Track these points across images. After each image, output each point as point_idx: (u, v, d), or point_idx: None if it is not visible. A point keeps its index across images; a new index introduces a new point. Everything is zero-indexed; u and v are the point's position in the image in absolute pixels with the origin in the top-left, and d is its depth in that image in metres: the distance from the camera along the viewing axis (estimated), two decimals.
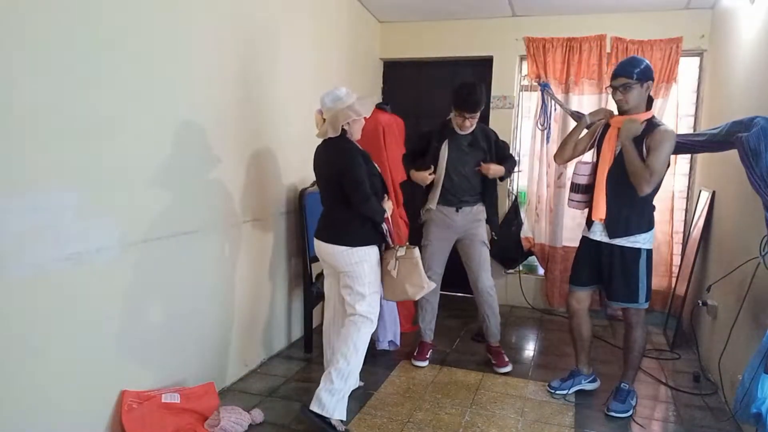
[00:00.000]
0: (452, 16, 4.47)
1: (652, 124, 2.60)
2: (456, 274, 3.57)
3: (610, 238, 2.70)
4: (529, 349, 3.74)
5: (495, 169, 3.17)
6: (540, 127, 4.22)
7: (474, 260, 3.24)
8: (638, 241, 2.66)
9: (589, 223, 2.79)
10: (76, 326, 2.00)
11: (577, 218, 4.25)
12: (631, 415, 2.75)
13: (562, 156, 2.91)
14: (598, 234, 2.75)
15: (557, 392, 2.94)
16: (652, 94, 3.95)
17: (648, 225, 2.68)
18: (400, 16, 4.60)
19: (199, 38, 2.53)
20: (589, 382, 3.02)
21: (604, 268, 2.76)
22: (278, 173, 3.30)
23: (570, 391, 2.95)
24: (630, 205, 2.64)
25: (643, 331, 2.81)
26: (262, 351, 3.26)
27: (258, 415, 2.56)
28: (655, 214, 4.08)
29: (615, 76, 2.62)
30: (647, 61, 2.63)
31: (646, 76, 2.58)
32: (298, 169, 3.51)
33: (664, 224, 4.19)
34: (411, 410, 2.74)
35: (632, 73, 2.57)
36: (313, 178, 3.58)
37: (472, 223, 3.24)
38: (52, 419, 1.93)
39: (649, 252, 2.71)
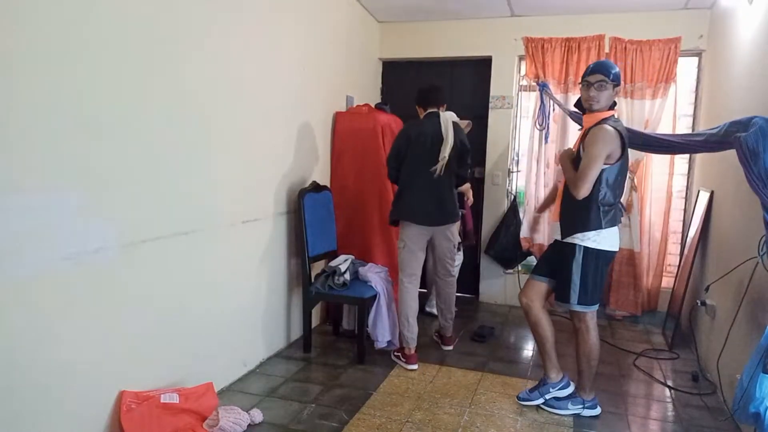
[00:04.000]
0: (451, 16, 4.47)
1: (596, 125, 2.60)
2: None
3: (562, 237, 2.72)
4: (528, 349, 3.74)
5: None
6: (538, 127, 4.22)
7: None
8: (576, 237, 2.64)
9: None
10: (74, 326, 1.99)
11: None
12: (564, 415, 2.73)
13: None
14: (558, 233, 2.79)
15: (523, 403, 2.83)
16: (650, 94, 4.02)
17: (594, 224, 2.60)
18: (399, 16, 4.60)
19: (198, 37, 2.53)
20: (560, 388, 2.82)
21: (555, 264, 2.78)
22: (278, 173, 3.30)
23: (537, 402, 2.80)
24: (574, 207, 2.64)
25: (590, 335, 2.71)
26: (261, 351, 3.26)
27: (257, 415, 2.56)
28: (652, 214, 4.14)
29: (593, 72, 2.63)
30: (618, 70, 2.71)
31: (618, 79, 2.66)
32: (298, 169, 3.52)
33: (659, 224, 4.20)
34: (410, 410, 2.74)
35: (609, 73, 2.62)
36: (311, 179, 3.62)
37: None
38: (51, 419, 1.93)
39: (590, 251, 2.61)
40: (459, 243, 3.82)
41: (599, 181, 2.57)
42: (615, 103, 2.69)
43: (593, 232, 2.61)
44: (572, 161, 2.68)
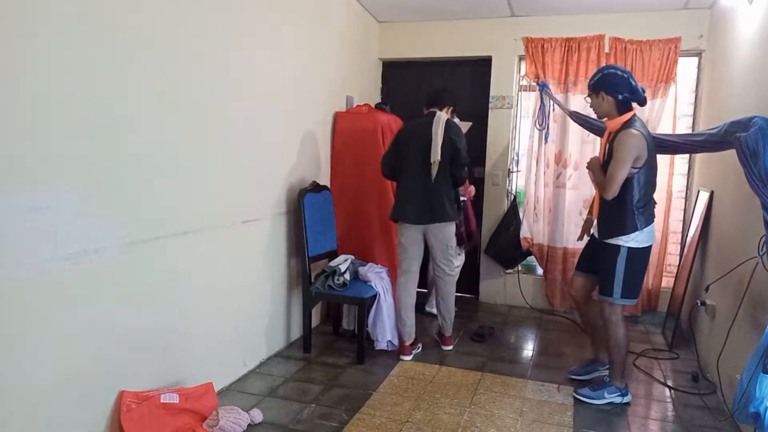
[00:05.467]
0: (451, 16, 4.47)
1: (622, 129, 2.70)
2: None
3: (599, 237, 2.86)
4: (528, 349, 3.74)
5: None
6: (538, 127, 4.22)
7: None
8: (620, 239, 2.75)
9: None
10: (74, 326, 1.99)
11: (574, 220, 4.26)
12: (600, 405, 2.84)
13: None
14: (595, 230, 2.95)
15: (573, 376, 3.10)
16: (650, 94, 4.01)
17: (631, 227, 2.72)
18: (399, 16, 4.60)
19: (197, 38, 2.53)
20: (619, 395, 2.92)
21: (597, 261, 2.92)
22: (278, 173, 3.30)
23: (588, 377, 3.04)
24: (609, 210, 2.79)
25: (619, 327, 2.84)
26: (261, 351, 3.26)
27: (257, 415, 2.56)
28: None
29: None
30: (611, 72, 2.74)
31: (599, 87, 2.75)
32: (298, 169, 3.52)
33: (659, 224, 4.19)
34: (410, 410, 2.74)
35: (589, 85, 2.81)
36: (311, 178, 3.62)
37: None
38: (51, 420, 1.93)
39: (633, 250, 2.74)
40: (459, 246, 3.80)
41: (632, 184, 2.69)
42: (627, 105, 2.75)
43: (633, 234, 2.72)
44: (601, 165, 2.80)
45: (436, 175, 3.24)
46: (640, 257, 2.78)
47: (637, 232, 2.72)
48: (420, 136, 3.28)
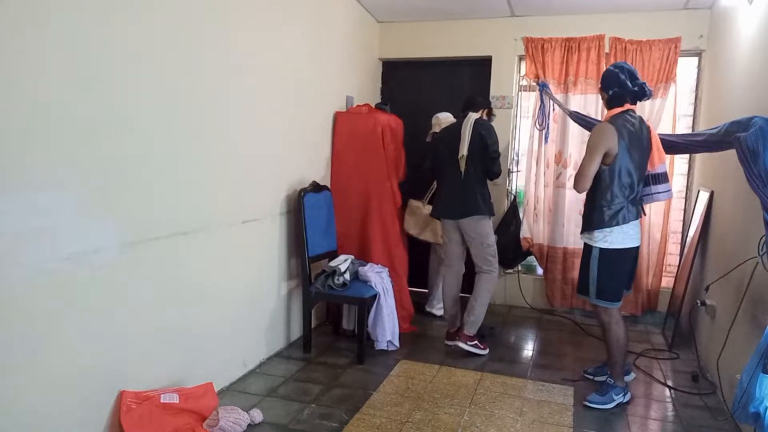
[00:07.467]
0: (451, 16, 4.47)
1: None
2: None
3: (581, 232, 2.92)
4: (528, 349, 3.74)
5: None
6: (538, 127, 4.22)
7: None
8: (591, 238, 2.78)
9: None
10: (74, 326, 1.99)
11: (574, 220, 4.26)
12: (611, 408, 2.81)
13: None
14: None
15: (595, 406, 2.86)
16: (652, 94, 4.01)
17: (597, 223, 2.71)
18: (398, 16, 4.60)
19: (197, 38, 2.53)
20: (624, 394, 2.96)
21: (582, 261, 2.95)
22: (278, 173, 3.30)
23: (609, 406, 2.84)
24: (586, 207, 2.86)
25: (619, 327, 2.85)
26: (261, 351, 3.26)
27: (257, 415, 2.56)
28: (652, 214, 4.14)
29: None
30: (607, 69, 2.83)
31: (600, 84, 2.87)
32: (298, 169, 3.52)
33: (659, 224, 4.20)
34: (410, 410, 2.74)
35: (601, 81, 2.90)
36: (311, 178, 3.61)
37: None
38: (51, 420, 1.93)
39: (606, 252, 2.72)
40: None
41: (597, 180, 2.69)
42: (621, 100, 2.77)
43: (600, 232, 2.72)
44: None
45: (468, 171, 3.39)
46: (614, 260, 2.72)
47: (605, 231, 2.69)
48: (452, 136, 3.48)
